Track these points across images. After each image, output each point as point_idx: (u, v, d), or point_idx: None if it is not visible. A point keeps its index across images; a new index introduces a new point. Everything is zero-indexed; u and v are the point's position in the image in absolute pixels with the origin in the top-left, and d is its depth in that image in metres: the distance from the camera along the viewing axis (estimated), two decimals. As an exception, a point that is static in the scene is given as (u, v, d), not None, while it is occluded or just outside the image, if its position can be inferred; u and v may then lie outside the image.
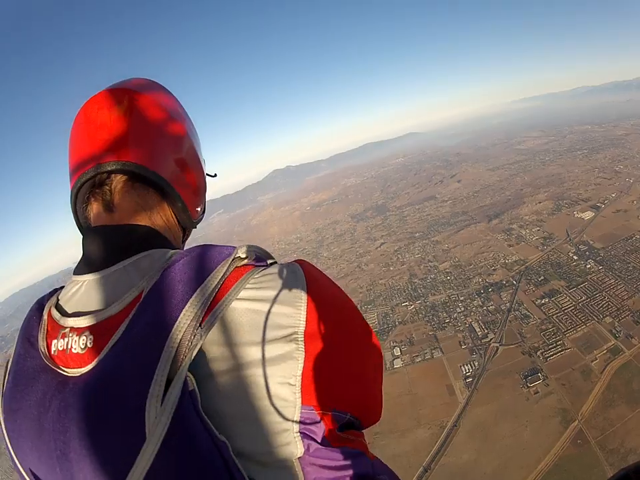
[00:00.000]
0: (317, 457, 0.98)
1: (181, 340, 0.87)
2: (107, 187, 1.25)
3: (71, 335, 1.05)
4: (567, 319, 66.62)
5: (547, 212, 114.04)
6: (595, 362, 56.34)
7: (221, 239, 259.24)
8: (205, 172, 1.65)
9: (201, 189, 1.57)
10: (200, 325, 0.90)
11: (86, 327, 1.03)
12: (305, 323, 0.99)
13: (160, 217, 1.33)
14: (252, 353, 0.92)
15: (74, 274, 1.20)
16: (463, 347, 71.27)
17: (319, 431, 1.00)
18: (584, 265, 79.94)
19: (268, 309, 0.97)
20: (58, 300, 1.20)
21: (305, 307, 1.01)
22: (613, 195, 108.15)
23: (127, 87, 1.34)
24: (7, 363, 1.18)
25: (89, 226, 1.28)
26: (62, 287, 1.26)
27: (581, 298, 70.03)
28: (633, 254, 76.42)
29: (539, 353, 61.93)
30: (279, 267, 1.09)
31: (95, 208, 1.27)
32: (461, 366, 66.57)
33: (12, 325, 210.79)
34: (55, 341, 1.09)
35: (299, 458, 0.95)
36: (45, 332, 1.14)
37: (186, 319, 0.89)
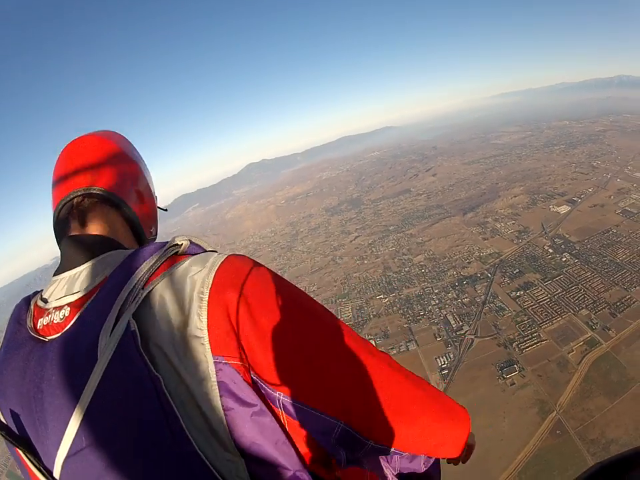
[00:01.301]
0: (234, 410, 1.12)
1: (126, 298, 1.12)
2: (81, 208, 1.55)
3: (53, 311, 1.30)
4: (542, 311, 66.53)
5: (523, 206, 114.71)
6: (571, 354, 56.12)
7: (195, 233, 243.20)
8: (157, 204, 2.02)
9: (152, 215, 1.93)
10: (142, 288, 1.15)
11: (65, 304, 1.28)
12: (211, 284, 1.17)
13: (121, 231, 1.61)
14: (173, 316, 1.12)
15: (54, 275, 1.44)
16: (438, 339, 70.77)
17: (234, 379, 1.13)
18: (559, 258, 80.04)
19: (186, 276, 1.19)
20: (42, 295, 1.43)
21: (214, 273, 1.19)
22: (590, 190, 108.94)
23: (98, 135, 1.75)
24: None
25: (66, 236, 1.54)
26: (42, 290, 1.48)
27: (557, 290, 70.00)
28: (609, 248, 76.91)
29: (514, 345, 61.69)
30: (204, 256, 1.30)
31: (71, 224, 1.56)
32: (436, 358, 66.03)
33: None
34: (40, 319, 1.33)
35: (222, 406, 1.10)
36: (32, 316, 1.38)
37: (126, 289, 1.14)
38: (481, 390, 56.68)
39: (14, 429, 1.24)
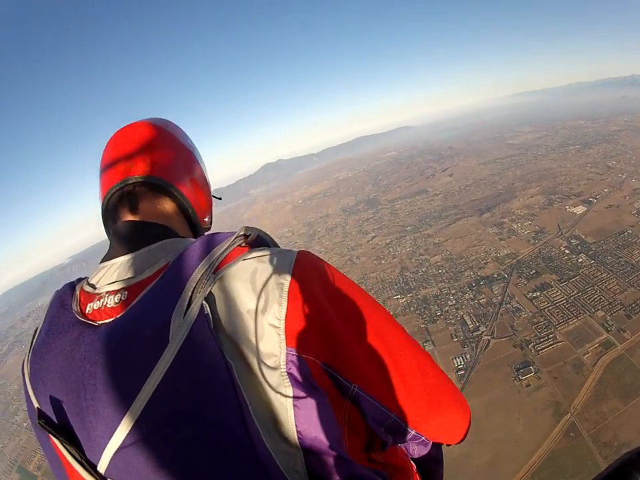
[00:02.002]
0: (299, 400, 1.09)
1: (198, 281, 1.08)
2: (133, 195, 1.52)
3: (106, 295, 1.25)
4: (558, 312, 66.14)
5: (539, 206, 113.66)
6: (586, 355, 55.87)
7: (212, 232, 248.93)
8: (212, 193, 1.97)
9: (208, 204, 1.88)
10: (213, 273, 1.12)
11: (121, 287, 1.24)
12: (291, 275, 1.15)
13: (175, 220, 1.60)
14: (247, 302, 1.09)
15: (101, 262, 1.41)
16: (454, 340, 70.76)
17: (304, 372, 1.11)
18: (576, 258, 79.40)
19: (258, 269, 1.15)
20: (88, 281, 1.39)
21: (293, 264, 1.19)
22: (605, 190, 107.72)
23: (150, 122, 1.70)
24: (36, 329, 1.36)
25: (116, 223, 1.52)
26: (86, 277, 1.45)
27: (573, 292, 69.57)
28: (625, 249, 76.20)
29: (530, 346, 61.46)
30: (277, 249, 1.30)
31: (121, 211, 1.53)
32: (452, 359, 66.03)
33: (6, 322, 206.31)
34: (90, 304, 1.28)
35: (291, 397, 1.08)
36: (78, 301, 1.33)
37: (198, 272, 1.10)
38: (496, 391, 56.73)
39: (53, 417, 1.17)
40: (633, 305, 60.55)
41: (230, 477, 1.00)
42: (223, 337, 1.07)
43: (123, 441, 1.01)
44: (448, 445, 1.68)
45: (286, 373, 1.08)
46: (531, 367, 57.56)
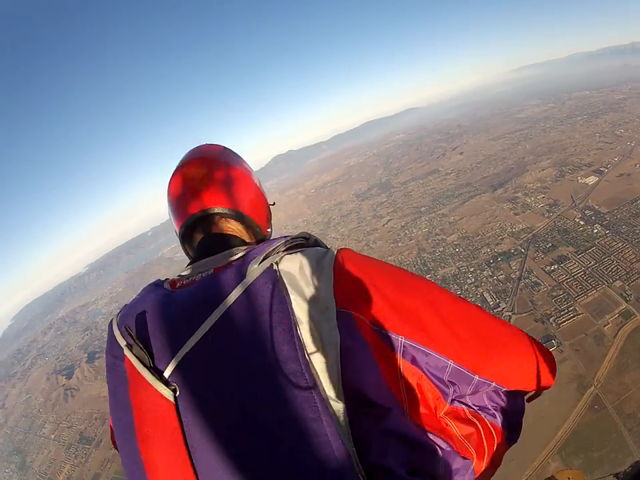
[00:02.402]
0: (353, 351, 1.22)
1: (266, 254, 1.33)
2: (208, 220, 1.76)
3: (195, 275, 1.50)
4: (577, 284, 66.08)
5: (551, 179, 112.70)
6: (607, 326, 55.90)
7: None
8: (269, 204, 2.20)
9: (268, 217, 2.13)
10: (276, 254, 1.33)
11: (207, 268, 1.50)
12: (335, 257, 1.37)
13: (244, 234, 1.83)
14: (305, 270, 1.30)
15: (186, 266, 1.66)
16: (476, 318, 71.08)
17: (351, 326, 1.24)
18: (591, 229, 78.89)
19: (312, 253, 1.36)
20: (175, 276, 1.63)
21: (337, 250, 1.43)
22: (616, 159, 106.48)
23: (209, 153, 1.95)
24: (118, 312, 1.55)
25: (193, 244, 1.80)
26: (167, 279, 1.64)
27: (590, 263, 69.41)
28: (638, 217, 75.35)
29: (551, 320, 61.54)
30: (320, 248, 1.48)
31: (198, 236, 1.77)
32: (475, 337, 66.47)
33: (27, 337, 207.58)
34: (179, 283, 1.52)
35: (338, 346, 1.20)
36: (169, 283, 1.56)
37: (269, 248, 1.35)
38: (520, 367, 57.24)
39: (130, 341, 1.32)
40: (650, 274, 60.51)
41: (280, 399, 1.11)
42: (286, 290, 1.22)
43: (188, 352, 1.18)
44: (533, 395, 1.79)
45: (336, 327, 1.19)
46: (553, 341, 57.70)
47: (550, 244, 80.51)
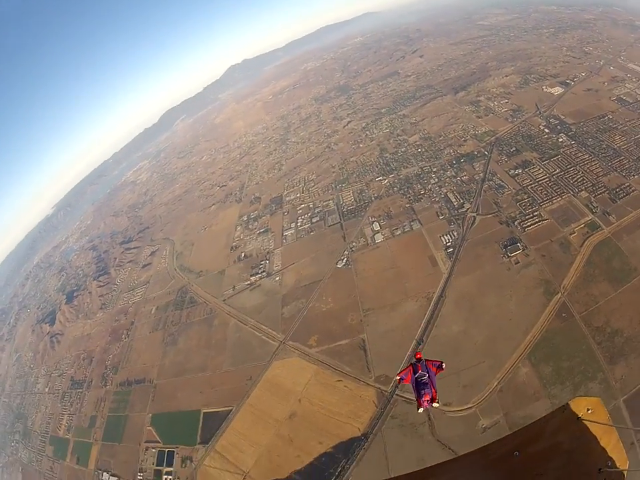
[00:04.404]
0: None
1: None
2: None
3: None
4: (541, 190, 66.73)
5: (515, 85, 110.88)
6: (573, 235, 56.78)
7: (187, 143, 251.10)
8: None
9: None
10: None
11: None
12: None
13: None
14: None
15: None
16: (440, 218, 71.40)
17: None
18: (556, 138, 78.82)
19: None
20: None
21: None
22: (583, 74, 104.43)
23: None
24: None
25: None
26: None
27: (555, 170, 69.69)
28: (605, 133, 75.27)
29: (516, 223, 62.52)
30: None
31: None
32: (440, 236, 66.88)
33: (8, 294, 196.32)
34: None
35: None
36: None
37: None
38: (486, 267, 57.64)
39: None
40: (617, 190, 60.95)
41: None
42: None
43: None
44: None
45: None
46: (519, 244, 58.60)
47: (514, 148, 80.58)
